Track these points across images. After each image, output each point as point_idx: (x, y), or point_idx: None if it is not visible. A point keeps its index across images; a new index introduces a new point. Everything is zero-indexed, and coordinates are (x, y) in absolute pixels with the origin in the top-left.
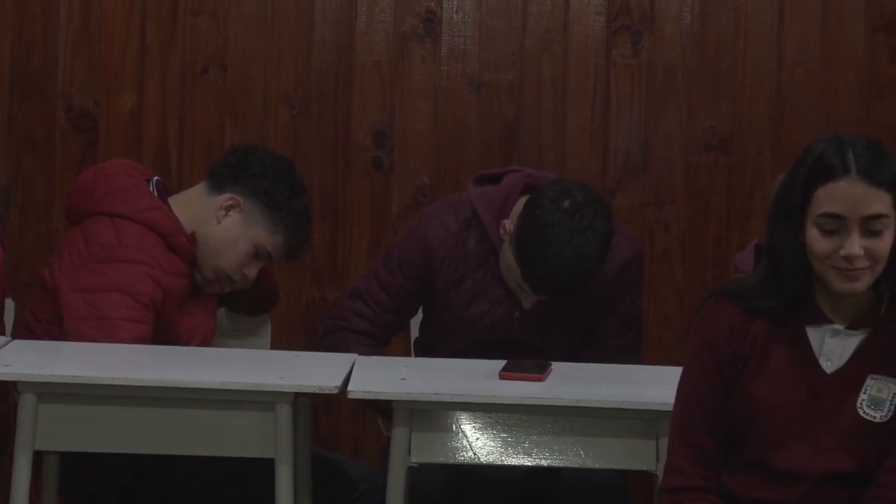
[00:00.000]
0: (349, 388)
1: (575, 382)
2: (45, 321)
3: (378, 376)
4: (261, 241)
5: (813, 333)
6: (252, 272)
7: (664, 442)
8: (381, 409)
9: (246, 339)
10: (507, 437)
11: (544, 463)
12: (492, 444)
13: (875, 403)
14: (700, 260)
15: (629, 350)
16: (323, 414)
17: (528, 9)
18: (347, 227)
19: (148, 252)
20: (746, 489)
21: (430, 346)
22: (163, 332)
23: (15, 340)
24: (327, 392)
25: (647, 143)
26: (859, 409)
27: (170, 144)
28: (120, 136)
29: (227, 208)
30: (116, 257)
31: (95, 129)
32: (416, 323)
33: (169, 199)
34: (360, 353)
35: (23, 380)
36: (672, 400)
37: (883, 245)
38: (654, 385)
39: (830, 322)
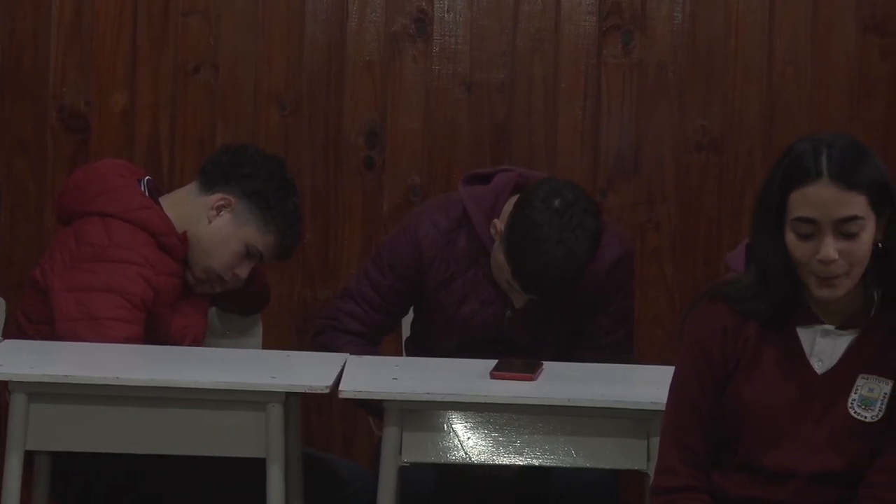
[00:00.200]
0: (340, 388)
1: (566, 382)
2: (36, 321)
3: (369, 376)
4: (252, 241)
5: (804, 334)
6: (243, 272)
7: (655, 441)
8: (373, 409)
9: (237, 338)
10: (498, 436)
11: (535, 462)
12: (483, 443)
13: (866, 403)
14: (691, 259)
15: (621, 348)
16: (314, 413)
17: (520, 8)
18: (339, 227)
19: (139, 252)
20: (738, 489)
21: (422, 346)
22: (154, 331)
23: (6, 340)
24: (318, 392)
25: (638, 143)
26: (850, 409)
27: (161, 144)
28: (111, 136)
29: (219, 208)
30: (108, 257)
31: (87, 128)
32: (407, 322)
33: (160, 199)
34: (352, 353)
35: (14, 380)
36: (663, 399)
37: (859, 247)
38: (646, 384)
39: (821, 322)
